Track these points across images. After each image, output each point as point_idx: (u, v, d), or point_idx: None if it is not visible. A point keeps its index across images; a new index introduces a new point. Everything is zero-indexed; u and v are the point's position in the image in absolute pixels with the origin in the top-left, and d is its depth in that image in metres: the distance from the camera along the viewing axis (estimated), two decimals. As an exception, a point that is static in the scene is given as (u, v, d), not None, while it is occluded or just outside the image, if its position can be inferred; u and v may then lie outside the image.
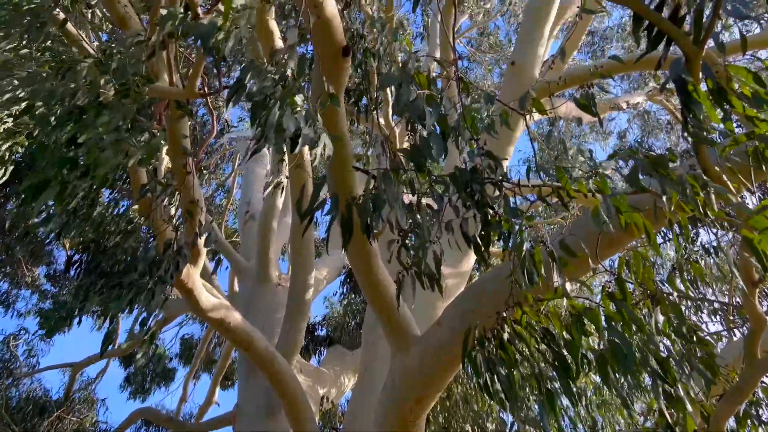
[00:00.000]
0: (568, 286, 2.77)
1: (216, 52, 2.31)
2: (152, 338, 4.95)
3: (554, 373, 2.63)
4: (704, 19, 1.96)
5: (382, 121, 7.67)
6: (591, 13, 2.56)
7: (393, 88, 2.37)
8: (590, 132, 14.31)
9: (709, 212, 2.16)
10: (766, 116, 2.00)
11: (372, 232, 2.29)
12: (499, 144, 6.53)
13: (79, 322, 4.76)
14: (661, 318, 2.63)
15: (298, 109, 2.33)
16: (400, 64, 3.45)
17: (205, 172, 12.86)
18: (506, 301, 2.91)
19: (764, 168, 2.06)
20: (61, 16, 4.45)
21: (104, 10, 5.06)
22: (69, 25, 4.53)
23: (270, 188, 7.64)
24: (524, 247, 2.39)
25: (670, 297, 2.46)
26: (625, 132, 14.34)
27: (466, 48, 15.35)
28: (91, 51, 4.67)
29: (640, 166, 2.16)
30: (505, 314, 2.71)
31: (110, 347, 11.36)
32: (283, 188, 7.66)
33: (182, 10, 2.69)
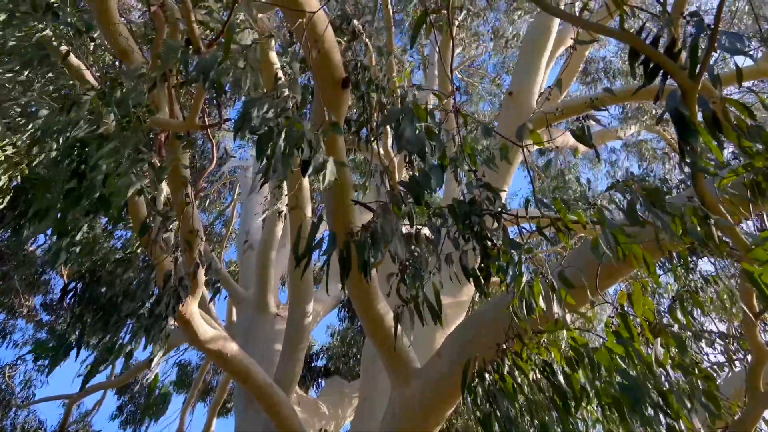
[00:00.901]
0: (568, 317, 2.76)
1: (217, 87, 2.33)
2: (155, 381, 4.91)
3: (553, 406, 2.60)
4: (699, 53, 1.99)
5: (381, 150, 7.71)
6: (585, 43, 2.59)
7: (393, 124, 2.38)
8: (584, 159, 14.35)
9: (710, 245, 2.15)
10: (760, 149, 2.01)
11: (369, 271, 2.28)
12: (498, 173, 6.55)
13: (77, 355, 4.71)
14: (661, 350, 2.61)
15: (305, 136, 2.34)
16: (400, 97, 3.48)
17: (205, 200, 12.88)
18: (506, 333, 2.90)
19: (761, 200, 2.06)
20: (64, 48, 4.50)
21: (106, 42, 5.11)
22: (71, 57, 4.58)
23: (268, 213, 7.62)
24: (523, 280, 2.38)
25: (672, 329, 2.44)
26: (623, 162, 14.36)
27: (464, 79, 15.50)
28: (93, 81, 4.71)
29: (637, 200, 2.16)
30: (505, 346, 2.69)
31: (105, 378, 11.23)
32: (284, 216, 7.66)
33: (184, 44, 2.72)
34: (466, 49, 13.63)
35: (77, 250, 5.01)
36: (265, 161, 2.13)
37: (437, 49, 7.95)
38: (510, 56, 14.63)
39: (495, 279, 2.69)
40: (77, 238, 4.22)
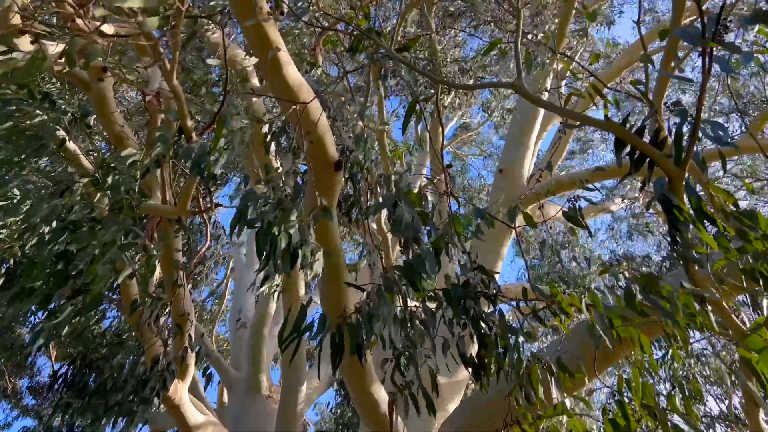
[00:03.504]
0: (567, 401, 2.69)
1: (206, 173, 2.35)
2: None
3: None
4: (683, 140, 2.03)
5: (374, 226, 7.72)
6: (573, 128, 2.64)
7: (388, 209, 2.41)
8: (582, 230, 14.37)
9: (706, 328, 2.13)
10: (756, 234, 2.02)
11: (363, 354, 2.24)
12: (494, 244, 6.55)
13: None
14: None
15: (292, 224, 2.34)
16: (393, 180, 3.52)
17: (198, 276, 12.76)
18: (504, 419, 2.82)
19: (762, 285, 2.04)
20: (61, 134, 4.56)
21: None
22: (68, 143, 4.63)
23: (261, 290, 7.55)
24: (522, 366, 2.34)
25: (672, 419, 2.38)
26: (622, 231, 14.43)
27: (458, 153, 15.79)
28: (89, 166, 4.75)
29: (633, 287, 2.15)
30: (503, 435, 2.61)
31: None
32: (276, 295, 7.58)
33: (176, 133, 2.77)
34: (461, 116, 13.97)
35: (62, 331, 4.92)
36: (265, 257, 2.12)
37: (428, 134, 8.13)
38: (503, 124, 14.99)
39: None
40: (60, 319, 4.15)
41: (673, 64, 2.99)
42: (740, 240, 2.03)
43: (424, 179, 6.68)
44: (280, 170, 2.44)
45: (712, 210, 1.96)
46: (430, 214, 2.72)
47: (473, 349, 2.60)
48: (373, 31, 2.81)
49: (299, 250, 2.22)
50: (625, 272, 2.26)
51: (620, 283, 2.27)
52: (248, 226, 2.11)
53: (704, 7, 1.93)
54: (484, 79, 8.65)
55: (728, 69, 1.56)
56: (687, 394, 2.27)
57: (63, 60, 3.65)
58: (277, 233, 2.07)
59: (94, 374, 5.22)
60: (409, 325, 2.56)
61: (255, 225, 2.10)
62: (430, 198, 2.89)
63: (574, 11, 6.61)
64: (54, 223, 4.05)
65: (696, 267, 2.05)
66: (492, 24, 8.53)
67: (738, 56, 1.51)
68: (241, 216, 2.11)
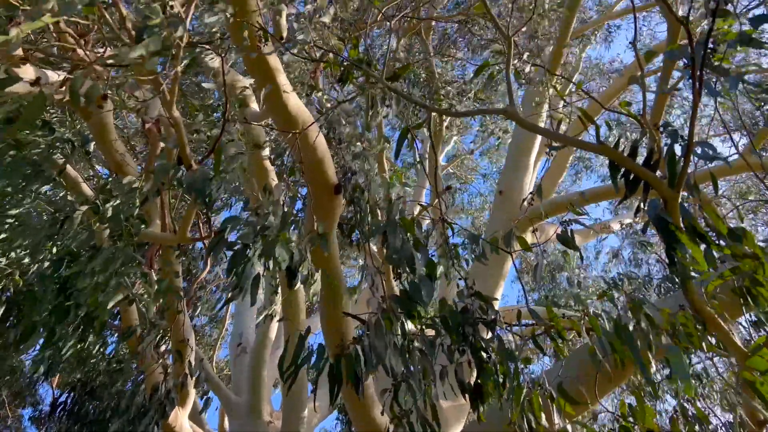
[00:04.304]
0: (569, 427, 2.67)
1: (205, 201, 2.36)
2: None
3: None
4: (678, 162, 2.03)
5: (375, 248, 7.70)
6: (558, 149, 2.66)
7: (380, 236, 2.41)
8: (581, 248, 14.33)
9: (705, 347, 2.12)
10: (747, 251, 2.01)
11: (361, 388, 2.22)
12: (494, 266, 6.53)
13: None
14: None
15: (293, 245, 2.34)
16: (389, 203, 3.52)
17: (197, 301, 12.70)
18: (507, 445, 2.79)
19: (750, 304, 2.03)
20: (61, 160, 4.58)
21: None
22: (68, 168, 4.65)
23: (262, 317, 7.53)
24: (522, 393, 2.32)
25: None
26: (618, 252, 14.40)
27: (455, 173, 15.84)
28: (89, 191, 4.76)
29: (624, 316, 2.15)
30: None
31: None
32: (274, 318, 7.54)
33: (176, 162, 2.78)
34: (457, 138, 14.02)
35: (64, 357, 4.90)
36: (234, 279, 2.13)
37: (424, 160, 8.17)
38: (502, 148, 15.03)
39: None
40: (64, 351, 4.14)
41: (669, 85, 3.01)
42: (733, 259, 2.03)
43: (424, 203, 6.68)
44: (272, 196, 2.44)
45: (707, 230, 1.96)
46: (425, 240, 2.72)
47: (472, 376, 2.58)
48: (363, 61, 2.84)
49: (298, 268, 2.22)
50: (624, 294, 2.26)
51: (618, 308, 2.27)
52: (227, 248, 2.12)
53: (697, 30, 1.95)
54: (483, 103, 8.71)
55: (715, 94, 1.58)
56: (689, 418, 2.25)
57: (63, 89, 3.68)
58: (250, 258, 2.08)
59: (94, 402, 5.20)
60: (407, 354, 2.55)
61: (234, 248, 2.11)
62: (426, 223, 2.91)
63: (569, 33, 6.66)
64: (55, 249, 4.06)
65: (695, 287, 2.04)
66: (488, 49, 8.62)
67: (725, 79, 1.53)
68: (220, 239, 2.12)
